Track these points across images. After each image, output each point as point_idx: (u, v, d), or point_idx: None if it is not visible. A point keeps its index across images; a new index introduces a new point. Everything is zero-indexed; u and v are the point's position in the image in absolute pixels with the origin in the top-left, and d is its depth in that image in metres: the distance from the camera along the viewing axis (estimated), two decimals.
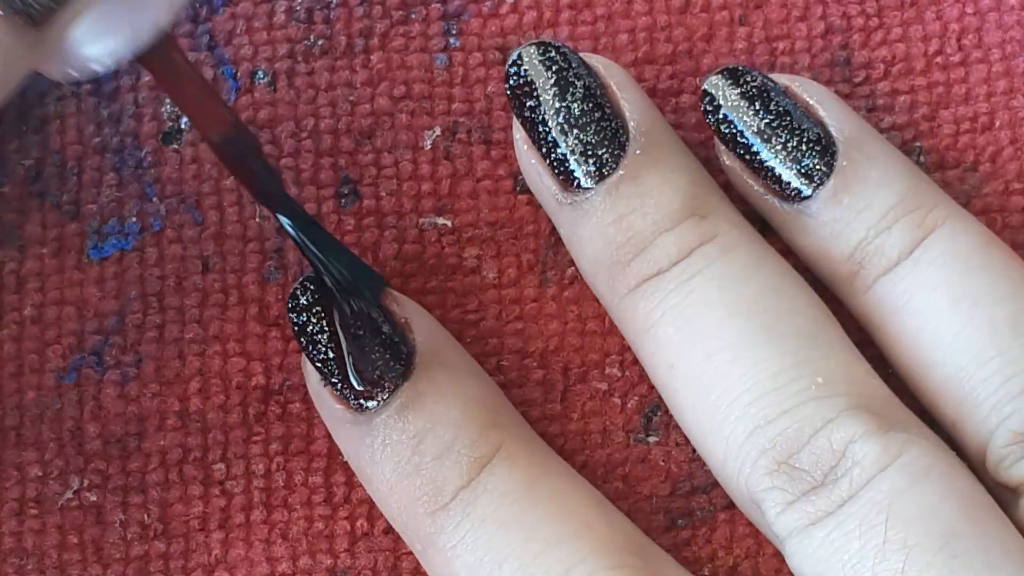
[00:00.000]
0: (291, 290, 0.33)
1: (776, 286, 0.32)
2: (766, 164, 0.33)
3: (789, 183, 0.33)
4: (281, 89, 0.38)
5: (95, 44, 0.30)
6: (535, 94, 0.34)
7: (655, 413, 0.35)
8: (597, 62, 0.34)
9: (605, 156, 0.33)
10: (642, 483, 0.34)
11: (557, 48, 0.34)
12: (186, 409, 0.36)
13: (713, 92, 0.34)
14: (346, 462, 0.35)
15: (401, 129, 0.37)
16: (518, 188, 0.37)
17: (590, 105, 0.33)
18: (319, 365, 0.33)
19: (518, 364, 0.35)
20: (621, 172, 0.33)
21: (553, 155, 0.33)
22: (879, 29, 0.38)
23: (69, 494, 0.35)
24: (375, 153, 0.37)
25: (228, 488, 0.35)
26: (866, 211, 0.33)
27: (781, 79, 0.34)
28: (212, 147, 0.33)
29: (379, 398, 0.32)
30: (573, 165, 0.33)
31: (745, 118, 0.33)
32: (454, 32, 0.38)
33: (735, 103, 0.34)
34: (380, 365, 0.32)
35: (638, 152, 0.33)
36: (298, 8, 0.38)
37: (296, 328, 0.33)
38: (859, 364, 0.32)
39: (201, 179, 0.37)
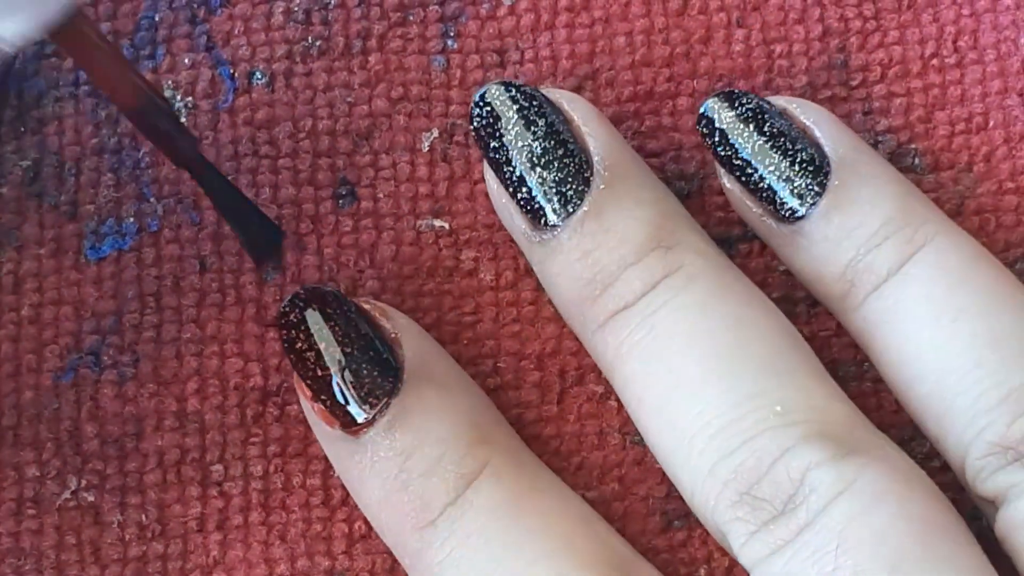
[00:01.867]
0: (281, 307, 0.33)
1: (738, 315, 0.32)
2: (760, 185, 0.33)
3: (783, 203, 0.33)
4: (279, 90, 0.38)
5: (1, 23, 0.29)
6: (499, 134, 0.34)
7: None
8: (561, 96, 0.34)
9: (569, 193, 0.33)
10: (638, 485, 0.35)
11: (518, 87, 0.34)
12: (183, 410, 0.36)
13: (709, 115, 0.34)
14: None
15: (399, 131, 0.37)
16: None
17: (552, 142, 0.33)
18: (308, 382, 0.33)
19: (515, 366, 0.35)
20: (585, 208, 0.33)
21: (520, 193, 0.34)
22: (876, 32, 0.38)
23: (67, 494, 0.35)
24: (373, 154, 0.37)
25: (226, 489, 0.35)
26: (857, 230, 0.33)
27: (779, 101, 0.35)
28: (127, 115, 0.33)
29: (367, 415, 0.32)
30: (540, 203, 0.33)
31: (740, 139, 0.34)
32: (452, 34, 0.38)
33: (730, 125, 0.34)
34: (368, 383, 0.32)
35: (602, 187, 0.33)
36: (296, 9, 0.38)
37: (286, 344, 0.33)
38: (821, 388, 0.32)
39: None
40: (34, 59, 0.38)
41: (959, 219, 0.36)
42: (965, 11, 0.38)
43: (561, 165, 0.33)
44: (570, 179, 0.33)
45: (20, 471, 0.36)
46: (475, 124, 0.34)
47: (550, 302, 0.36)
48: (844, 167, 0.34)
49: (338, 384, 0.32)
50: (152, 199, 0.37)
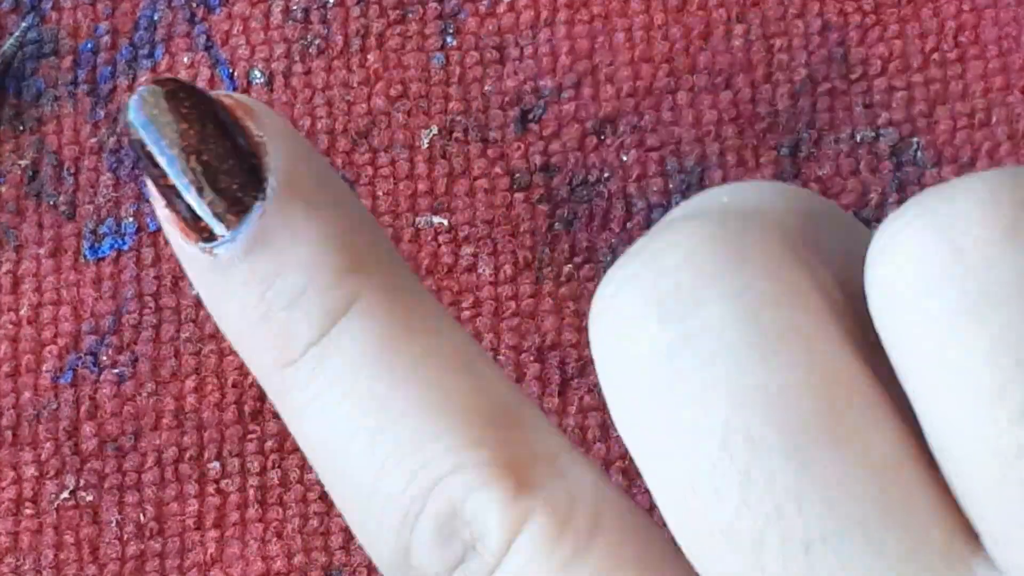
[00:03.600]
0: (128, 99, 0.30)
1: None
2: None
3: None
4: (278, 89, 0.38)
5: None
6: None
7: None
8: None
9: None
10: (642, 477, 0.34)
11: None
12: (181, 408, 0.36)
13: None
14: None
15: (398, 128, 0.37)
16: (515, 186, 0.37)
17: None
18: (160, 189, 0.29)
19: (515, 359, 0.35)
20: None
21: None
22: (876, 26, 0.38)
23: (65, 494, 0.35)
24: (371, 153, 0.37)
25: (223, 487, 0.35)
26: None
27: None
28: None
29: (222, 234, 0.29)
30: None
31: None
32: (451, 31, 0.38)
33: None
34: (227, 195, 0.29)
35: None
36: (295, 8, 0.38)
37: (134, 141, 0.29)
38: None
39: None
40: (33, 58, 0.38)
41: None
42: (966, 6, 0.38)
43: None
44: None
45: (19, 471, 0.35)
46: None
47: (550, 295, 0.36)
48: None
49: (191, 193, 0.29)
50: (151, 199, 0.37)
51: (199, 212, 0.27)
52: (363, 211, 0.28)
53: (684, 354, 0.23)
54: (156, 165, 0.27)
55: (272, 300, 0.26)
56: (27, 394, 0.36)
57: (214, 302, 0.29)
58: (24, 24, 0.38)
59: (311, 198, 0.27)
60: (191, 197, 0.27)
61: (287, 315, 0.26)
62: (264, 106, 0.28)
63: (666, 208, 0.37)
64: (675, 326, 0.23)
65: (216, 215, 0.27)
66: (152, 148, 0.27)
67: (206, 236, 0.27)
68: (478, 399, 0.28)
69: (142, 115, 0.28)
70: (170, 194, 0.27)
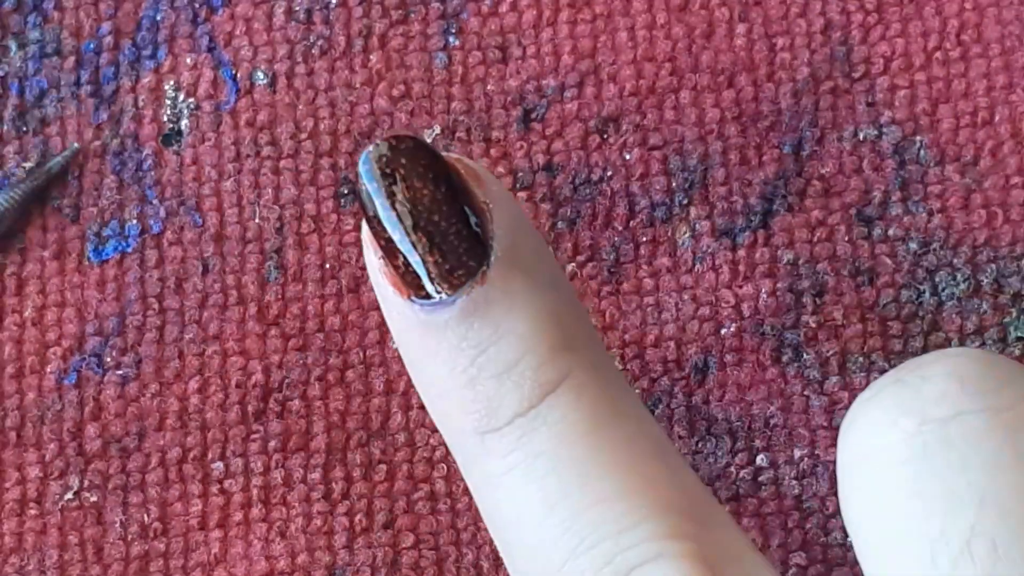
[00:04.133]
0: (363, 152, 0.27)
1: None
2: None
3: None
4: (281, 90, 0.38)
5: None
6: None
7: (656, 407, 0.35)
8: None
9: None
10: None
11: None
12: (185, 408, 0.36)
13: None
14: (345, 458, 0.35)
15: (401, 128, 0.37)
16: (518, 185, 0.37)
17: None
18: (383, 243, 0.27)
19: None
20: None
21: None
22: (878, 24, 0.38)
23: (69, 494, 0.35)
24: None
25: (227, 487, 0.35)
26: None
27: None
28: None
29: (439, 295, 0.27)
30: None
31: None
32: (453, 31, 0.38)
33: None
34: (451, 258, 0.27)
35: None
36: (297, 8, 0.38)
37: (362, 191, 0.27)
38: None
39: (201, 181, 0.37)
40: (35, 59, 0.38)
41: (966, 212, 0.36)
42: (968, 5, 0.38)
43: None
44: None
45: (23, 471, 0.35)
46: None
47: None
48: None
49: (414, 253, 0.27)
50: (155, 201, 0.37)
51: (419, 271, 0.26)
52: (571, 288, 0.29)
53: (940, 456, 0.23)
54: (380, 218, 0.27)
55: (483, 366, 0.27)
56: (31, 395, 0.36)
57: (416, 358, 0.28)
58: (74, 146, 0.38)
59: (530, 269, 0.27)
60: (414, 256, 0.26)
61: (497, 383, 0.27)
62: (489, 173, 0.28)
63: (669, 206, 0.37)
64: (935, 429, 0.23)
65: (436, 277, 0.27)
66: (379, 202, 0.27)
67: (421, 295, 0.27)
68: (676, 490, 0.27)
69: (376, 169, 0.27)
70: (390, 248, 0.27)
